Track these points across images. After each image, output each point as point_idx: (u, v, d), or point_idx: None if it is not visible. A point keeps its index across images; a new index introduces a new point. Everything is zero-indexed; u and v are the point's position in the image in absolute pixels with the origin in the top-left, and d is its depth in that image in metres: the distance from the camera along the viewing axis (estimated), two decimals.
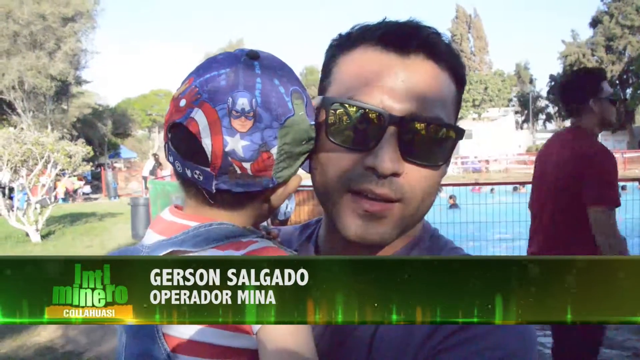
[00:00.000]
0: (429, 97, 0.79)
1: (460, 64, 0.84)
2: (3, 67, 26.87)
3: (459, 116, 0.93)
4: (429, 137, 0.79)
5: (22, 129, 12.59)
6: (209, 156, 0.73)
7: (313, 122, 0.81)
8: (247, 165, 0.74)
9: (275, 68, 0.77)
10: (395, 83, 0.78)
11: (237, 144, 0.73)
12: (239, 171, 0.75)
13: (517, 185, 10.93)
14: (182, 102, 0.75)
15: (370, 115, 0.77)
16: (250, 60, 0.76)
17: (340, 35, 0.88)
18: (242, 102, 0.72)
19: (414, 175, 0.79)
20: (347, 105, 0.79)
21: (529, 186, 3.30)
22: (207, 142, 0.73)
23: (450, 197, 10.98)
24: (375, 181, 0.77)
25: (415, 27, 0.81)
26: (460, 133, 0.82)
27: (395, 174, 0.77)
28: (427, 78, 0.79)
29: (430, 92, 0.79)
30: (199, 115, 0.73)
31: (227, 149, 0.73)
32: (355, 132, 0.79)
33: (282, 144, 0.76)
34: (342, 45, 0.86)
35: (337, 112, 0.80)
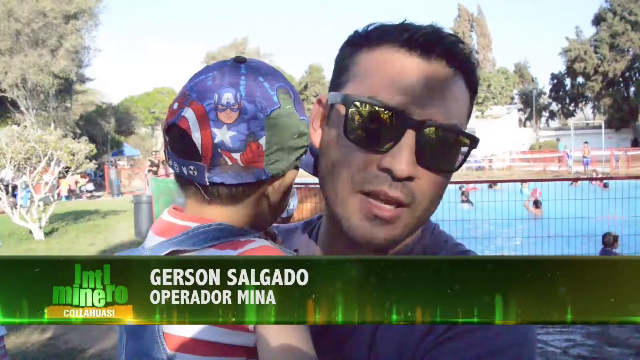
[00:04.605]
0: (448, 104, 0.79)
1: (475, 74, 0.84)
2: (6, 65, 26.88)
3: None
4: (446, 144, 0.79)
5: (25, 126, 12.63)
6: (200, 150, 0.77)
7: (304, 117, 0.83)
8: (236, 155, 0.77)
9: (261, 69, 0.81)
10: (418, 87, 0.77)
11: (224, 135, 0.76)
12: (229, 162, 0.77)
13: (491, 183, 10.86)
14: (175, 105, 0.80)
15: (391, 116, 0.77)
16: (236, 63, 0.81)
17: (358, 32, 0.87)
18: (227, 96, 0.76)
19: (426, 181, 0.79)
20: (368, 105, 0.78)
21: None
22: (197, 136, 0.76)
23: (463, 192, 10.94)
24: (389, 183, 0.77)
25: (440, 33, 0.81)
26: (475, 142, 0.82)
27: (410, 178, 0.77)
28: (448, 85, 0.79)
29: (450, 99, 0.79)
30: (188, 113, 0.77)
31: (216, 141, 0.76)
32: (373, 132, 0.78)
33: (270, 135, 0.78)
34: (362, 43, 0.85)
35: (358, 110, 0.79)
